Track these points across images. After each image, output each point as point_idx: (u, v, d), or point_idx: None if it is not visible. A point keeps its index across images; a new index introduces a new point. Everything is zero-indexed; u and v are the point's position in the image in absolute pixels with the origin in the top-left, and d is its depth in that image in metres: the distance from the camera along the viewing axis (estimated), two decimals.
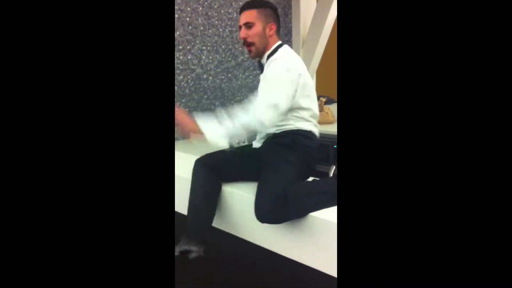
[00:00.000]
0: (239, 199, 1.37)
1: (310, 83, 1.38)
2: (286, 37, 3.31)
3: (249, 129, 1.20)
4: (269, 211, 1.12)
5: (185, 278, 1.41)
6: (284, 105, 1.21)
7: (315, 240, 1.12)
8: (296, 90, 1.25)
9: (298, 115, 1.34)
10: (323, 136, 2.76)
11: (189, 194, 1.34)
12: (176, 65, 2.39)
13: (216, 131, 1.19)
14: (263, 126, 1.20)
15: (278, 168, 1.25)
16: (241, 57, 2.87)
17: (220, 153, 1.45)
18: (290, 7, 3.23)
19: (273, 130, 1.38)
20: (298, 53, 3.22)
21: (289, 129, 1.36)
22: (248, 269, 1.34)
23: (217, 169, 1.36)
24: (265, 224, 1.16)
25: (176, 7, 2.33)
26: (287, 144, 1.33)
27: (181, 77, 2.43)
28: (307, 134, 1.41)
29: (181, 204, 1.34)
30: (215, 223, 1.42)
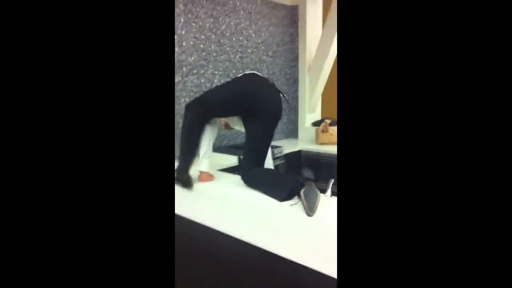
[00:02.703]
0: (241, 202, 1.50)
1: None
2: (293, 63, 3.51)
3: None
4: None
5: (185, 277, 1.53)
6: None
7: (314, 240, 1.23)
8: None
9: None
10: (328, 156, 2.92)
11: None
12: (190, 88, 2.58)
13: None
14: None
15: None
16: None
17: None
18: (297, 35, 3.45)
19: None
20: (304, 77, 3.41)
21: None
22: (249, 270, 1.45)
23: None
24: (264, 225, 1.31)
25: (191, 35, 2.54)
26: None
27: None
28: None
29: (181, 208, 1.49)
30: (217, 226, 1.55)
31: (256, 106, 1.58)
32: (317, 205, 1.25)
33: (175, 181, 1.64)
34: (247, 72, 1.79)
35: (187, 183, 1.60)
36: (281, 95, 1.68)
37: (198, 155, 1.71)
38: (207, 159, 1.75)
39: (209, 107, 1.65)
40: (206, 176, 1.74)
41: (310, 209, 1.22)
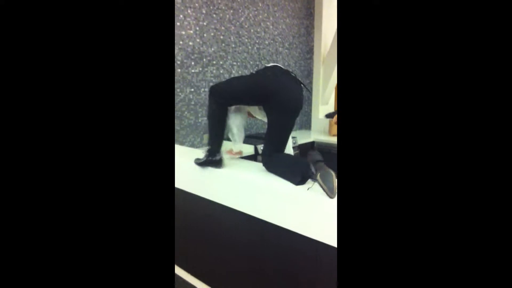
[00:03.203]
0: (247, 181, 1.60)
1: None
2: (308, 55, 3.56)
3: None
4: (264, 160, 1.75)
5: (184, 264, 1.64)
6: None
7: (314, 211, 1.31)
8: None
9: None
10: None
11: None
12: (209, 78, 2.65)
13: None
14: None
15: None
16: None
17: None
18: (312, 27, 3.49)
19: None
20: (318, 69, 3.47)
21: None
22: (268, 248, 1.55)
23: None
24: (284, 206, 1.42)
25: (212, 26, 2.60)
26: None
27: None
28: None
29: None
30: (222, 201, 1.65)
31: (276, 96, 1.66)
32: (336, 186, 1.32)
33: (205, 163, 1.77)
34: (269, 65, 1.86)
35: (218, 164, 1.76)
36: (302, 85, 1.76)
37: (230, 138, 1.89)
38: (238, 144, 1.89)
39: (228, 94, 1.75)
40: (234, 152, 1.95)
41: (331, 192, 1.28)
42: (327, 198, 1.27)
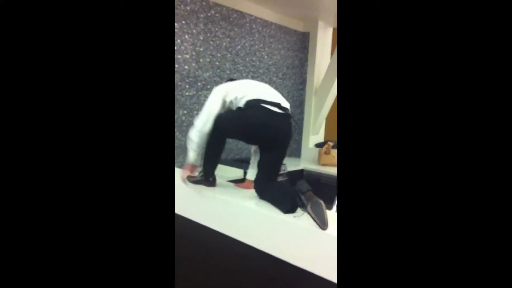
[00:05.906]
0: (244, 209, 1.61)
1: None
2: (300, 86, 3.67)
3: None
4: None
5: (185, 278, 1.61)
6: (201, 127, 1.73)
7: (315, 245, 1.31)
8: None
9: None
10: (328, 177, 3.02)
11: None
12: (203, 102, 2.69)
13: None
14: (190, 141, 1.79)
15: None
16: None
17: None
18: (306, 60, 3.61)
19: None
20: (310, 100, 3.56)
21: None
22: (247, 272, 1.53)
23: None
24: (269, 229, 1.43)
25: (208, 52, 2.69)
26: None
27: None
28: None
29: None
30: (216, 227, 1.64)
31: (272, 137, 1.71)
32: (327, 217, 1.32)
33: (199, 182, 1.86)
34: (252, 98, 1.73)
35: (212, 184, 1.88)
36: (290, 117, 1.75)
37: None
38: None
39: (226, 133, 1.80)
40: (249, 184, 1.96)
41: (323, 224, 1.28)
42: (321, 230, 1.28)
